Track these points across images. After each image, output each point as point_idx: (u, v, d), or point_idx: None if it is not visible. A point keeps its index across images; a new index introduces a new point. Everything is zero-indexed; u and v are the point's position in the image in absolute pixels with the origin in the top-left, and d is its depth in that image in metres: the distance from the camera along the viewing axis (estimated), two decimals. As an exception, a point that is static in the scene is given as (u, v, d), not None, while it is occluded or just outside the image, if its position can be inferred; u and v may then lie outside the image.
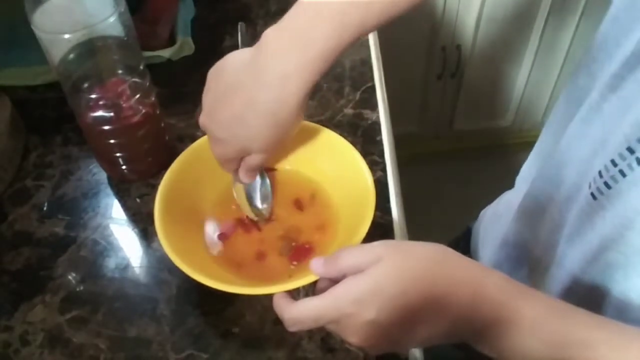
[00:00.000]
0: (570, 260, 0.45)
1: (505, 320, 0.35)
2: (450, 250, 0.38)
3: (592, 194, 0.40)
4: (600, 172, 0.39)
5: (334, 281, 0.38)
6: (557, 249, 0.48)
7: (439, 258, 0.37)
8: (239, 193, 0.53)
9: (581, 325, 0.35)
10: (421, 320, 0.35)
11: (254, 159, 0.48)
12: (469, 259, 0.38)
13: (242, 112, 0.44)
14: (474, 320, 0.35)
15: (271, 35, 0.43)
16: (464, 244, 0.73)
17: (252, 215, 0.53)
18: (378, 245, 0.38)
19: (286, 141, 0.48)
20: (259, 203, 0.53)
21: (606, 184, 0.39)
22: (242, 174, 0.50)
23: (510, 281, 0.37)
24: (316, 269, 0.40)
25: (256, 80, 0.43)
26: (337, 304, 0.36)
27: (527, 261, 0.56)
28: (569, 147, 0.46)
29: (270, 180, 0.54)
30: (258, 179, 0.53)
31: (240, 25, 0.54)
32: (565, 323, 0.35)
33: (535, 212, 0.52)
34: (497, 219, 0.66)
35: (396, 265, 0.36)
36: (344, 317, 0.36)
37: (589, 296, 0.43)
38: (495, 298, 0.36)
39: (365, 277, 0.36)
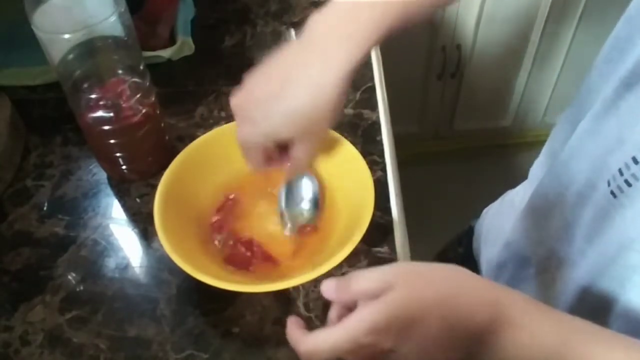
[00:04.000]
0: (588, 260, 0.45)
1: (523, 345, 0.34)
2: (465, 272, 0.37)
3: (612, 192, 0.40)
4: (620, 170, 0.39)
5: (346, 306, 0.37)
6: (571, 248, 0.47)
7: (454, 282, 0.36)
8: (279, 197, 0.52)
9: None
10: (439, 346, 0.35)
11: (297, 150, 0.46)
12: (485, 279, 0.37)
13: (280, 90, 0.44)
14: (492, 344, 0.35)
15: (315, 20, 0.44)
16: (466, 242, 0.73)
17: (287, 225, 0.52)
18: (390, 271, 0.36)
19: (320, 136, 0.46)
20: (304, 204, 0.52)
21: (627, 182, 0.39)
22: (290, 168, 0.49)
23: (531, 302, 0.36)
24: (328, 293, 0.38)
25: (298, 60, 0.44)
26: (352, 335, 0.35)
27: (534, 261, 0.55)
28: (581, 144, 0.46)
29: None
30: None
31: (289, 31, 0.54)
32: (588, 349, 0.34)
33: (543, 210, 0.52)
34: (500, 218, 0.66)
35: (410, 292, 0.35)
36: (360, 348, 0.35)
37: (603, 298, 0.43)
38: (516, 321, 0.35)
39: (379, 306, 0.35)
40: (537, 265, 0.55)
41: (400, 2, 0.43)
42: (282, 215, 0.52)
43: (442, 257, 0.85)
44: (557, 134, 0.56)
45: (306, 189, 0.53)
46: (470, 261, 0.71)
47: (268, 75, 0.45)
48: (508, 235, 0.60)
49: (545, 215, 0.52)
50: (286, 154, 0.47)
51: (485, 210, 0.72)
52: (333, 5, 0.44)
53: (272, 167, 0.48)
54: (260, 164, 0.48)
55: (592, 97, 0.46)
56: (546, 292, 0.53)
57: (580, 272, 0.46)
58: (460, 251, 0.76)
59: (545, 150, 0.59)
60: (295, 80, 0.43)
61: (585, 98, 0.48)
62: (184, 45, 0.74)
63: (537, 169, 0.61)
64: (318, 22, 0.44)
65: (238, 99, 0.46)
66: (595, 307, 0.43)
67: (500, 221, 0.65)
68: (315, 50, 0.43)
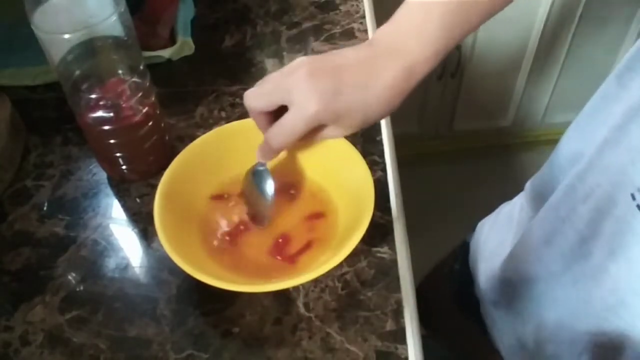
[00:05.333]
0: (612, 276, 0.43)
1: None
2: None
3: (639, 206, 0.39)
4: None
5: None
6: (588, 264, 0.46)
7: None
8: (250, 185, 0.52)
9: None
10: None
11: (296, 120, 0.45)
12: None
13: (360, 85, 0.44)
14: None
15: (385, 32, 0.45)
16: (462, 258, 0.72)
17: (258, 210, 0.52)
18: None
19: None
20: (268, 197, 0.52)
21: None
22: (280, 138, 0.47)
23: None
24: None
25: (370, 72, 0.44)
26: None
27: (544, 276, 0.53)
28: (599, 156, 0.44)
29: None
30: (270, 181, 0.52)
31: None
32: None
33: (553, 226, 0.50)
34: (497, 232, 0.65)
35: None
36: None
37: (632, 318, 0.42)
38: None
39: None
40: (548, 280, 0.53)
41: (464, 13, 0.45)
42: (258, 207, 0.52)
43: (437, 273, 0.84)
44: (566, 147, 0.54)
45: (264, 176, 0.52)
46: (466, 277, 0.70)
47: (355, 72, 0.44)
48: (511, 250, 0.58)
49: (554, 231, 0.50)
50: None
51: (479, 225, 0.70)
52: (399, 19, 0.45)
53: (266, 123, 0.48)
54: (271, 104, 0.46)
55: (609, 106, 0.45)
56: (560, 309, 0.51)
57: (604, 289, 0.44)
58: (457, 268, 0.75)
59: (549, 164, 0.57)
60: (383, 92, 0.44)
61: (601, 107, 0.47)
62: (184, 45, 0.74)
63: (542, 182, 0.59)
64: (388, 38, 0.45)
65: (313, 74, 0.43)
66: (622, 328, 0.42)
67: (498, 235, 0.64)
68: (387, 68, 0.44)
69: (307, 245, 0.51)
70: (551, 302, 0.53)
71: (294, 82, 0.43)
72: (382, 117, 0.46)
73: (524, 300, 0.57)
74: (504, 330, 0.63)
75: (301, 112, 0.43)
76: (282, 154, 0.55)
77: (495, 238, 0.65)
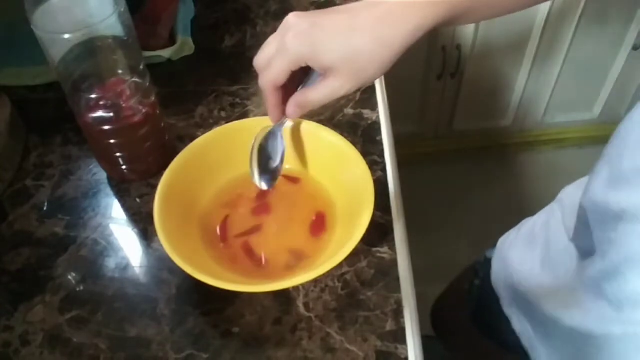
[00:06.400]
0: (633, 287, 0.43)
1: None
2: None
3: None
4: None
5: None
6: (621, 287, 0.45)
7: None
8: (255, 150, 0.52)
9: None
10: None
11: (315, 94, 0.46)
12: None
13: (348, 29, 0.44)
14: None
15: None
16: (483, 275, 0.71)
17: (257, 180, 0.52)
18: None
19: (351, 85, 0.46)
20: (278, 160, 0.52)
21: None
22: (291, 107, 0.48)
23: None
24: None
25: (369, 14, 0.44)
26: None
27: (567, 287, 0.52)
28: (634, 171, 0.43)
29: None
30: (281, 141, 0.52)
31: None
32: None
33: (586, 244, 0.49)
34: (518, 249, 0.64)
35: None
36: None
37: None
38: None
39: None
40: (569, 291, 0.52)
41: None
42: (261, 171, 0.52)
43: (457, 288, 0.83)
44: (595, 183, 0.51)
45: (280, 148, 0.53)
46: (488, 293, 0.69)
47: (337, 14, 0.45)
48: (540, 265, 0.58)
49: (587, 248, 0.49)
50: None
51: (501, 241, 0.69)
52: None
53: (279, 94, 0.48)
54: (282, 78, 0.47)
55: (635, 132, 0.45)
56: (580, 323, 0.51)
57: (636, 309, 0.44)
58: (477, 283, 0.74)
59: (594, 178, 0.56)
60: (364, 27, 0.44)
61: (623, 144, 0.46)
62: (184, 45, 0.74)
63: (572, 198, 0.57)
64: None
65: (299, 16, 0.45)
66: None
67: (520, 253, 0.63)
68: (388, 10, 0.44)
69: (252, 230, 0.52)
70: (571, 316, 0.52)
71: (281, 26, 0.46)
72: (373, 68, 0.45)
73: (542, 318, 0.56)
74: (526, 346, 0.62)
75: (281, 46, 0.45)
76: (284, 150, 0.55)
77: (516, 255, 0.64)
